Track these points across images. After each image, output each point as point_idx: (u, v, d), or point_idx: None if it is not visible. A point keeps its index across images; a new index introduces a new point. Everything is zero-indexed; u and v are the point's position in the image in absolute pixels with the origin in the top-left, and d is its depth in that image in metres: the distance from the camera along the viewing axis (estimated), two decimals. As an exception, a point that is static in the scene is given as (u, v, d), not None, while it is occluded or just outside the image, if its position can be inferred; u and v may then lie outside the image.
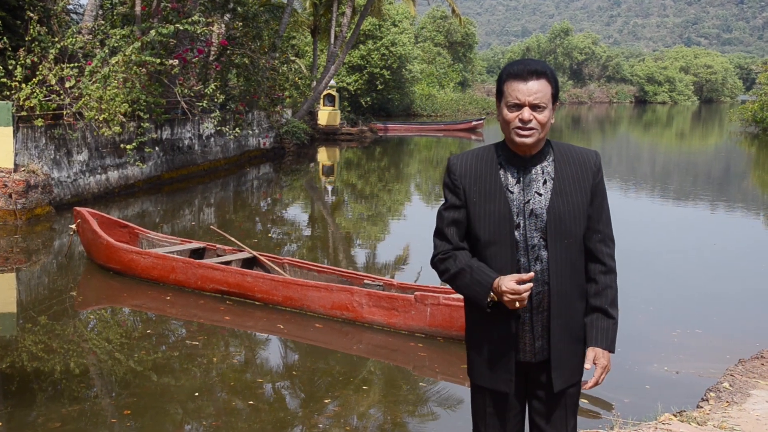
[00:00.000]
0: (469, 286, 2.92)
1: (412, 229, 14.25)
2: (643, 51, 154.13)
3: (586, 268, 3.03)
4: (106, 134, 15.43)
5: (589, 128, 50.77)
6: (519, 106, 2.87)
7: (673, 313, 8.83)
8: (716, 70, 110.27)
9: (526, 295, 2.79)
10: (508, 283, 2.80)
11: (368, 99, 48.25)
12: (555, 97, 2.92)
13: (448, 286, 8.50)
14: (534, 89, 2.85)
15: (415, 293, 7.68)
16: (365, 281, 8.54)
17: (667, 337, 7.90)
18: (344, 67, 46.18)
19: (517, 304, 2.80)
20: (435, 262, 3.06)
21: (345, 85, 46.69)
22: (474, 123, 41.98)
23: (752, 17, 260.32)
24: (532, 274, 2.79)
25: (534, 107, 2.86)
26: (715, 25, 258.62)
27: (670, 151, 35.93)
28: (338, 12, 34.21)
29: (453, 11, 37.33)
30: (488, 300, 2.88)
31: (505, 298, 2.81)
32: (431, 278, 9.68)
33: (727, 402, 5.64)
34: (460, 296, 7.51)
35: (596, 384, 2.96)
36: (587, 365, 2.97)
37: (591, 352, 2.98)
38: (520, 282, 2.81)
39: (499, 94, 2.95)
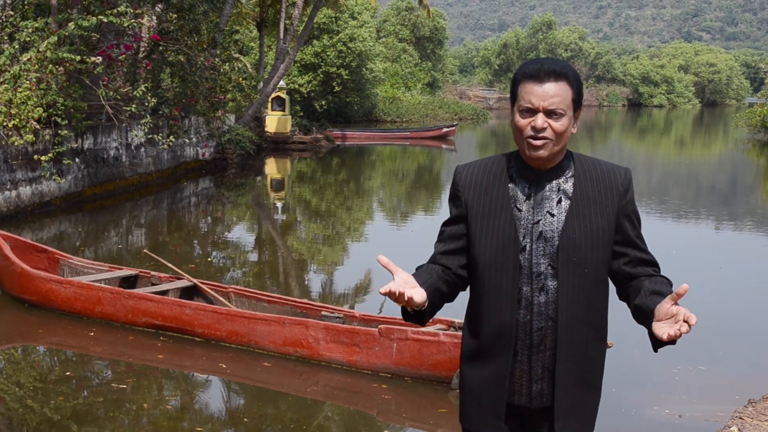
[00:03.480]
0: None
1: (375, 251, 14.22)
2: (637, 47, 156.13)
3: (627, 284, 2.98)
4: (16, 143, 15.28)
5: (576, 135, 51.17)
6: (533, 112, 2.84)
7: (674, 347, 8.89)
8: (720, 68, 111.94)
9: (395, 293, 2.74)
10: (386, 285, 2.78)
11: (323, 102, 48.30)
12: (577, 103, 2.90)
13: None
14: (550, 92, 2.83)
15: (380, 326, 7.69)
16: (323, 313, 8.54)
17: (667, 375, 7.99)
18: (295, 66, 46.22)
19: (400, 304, 2.79)
20: None
21: (296, 86, 46.71)
22: (445, 130, 42.18)
23: (760, 8, 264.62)
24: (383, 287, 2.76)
25: (550, 113, 2.83)
26: (719, 17, 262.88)
27: (669, 161, 36.39)
28: (288, 2, 34.29)
29: (420, 2, 37.58)
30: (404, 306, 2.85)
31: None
32: (397, 309, 9.68)
33: (736, 448, 5.70)
34: (431, 330, 7.54)
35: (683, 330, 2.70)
36: (673, 309, 2.72)
37: (666, 304, 2.76)
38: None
39: (513, 97, 2.93)
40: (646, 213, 19.34)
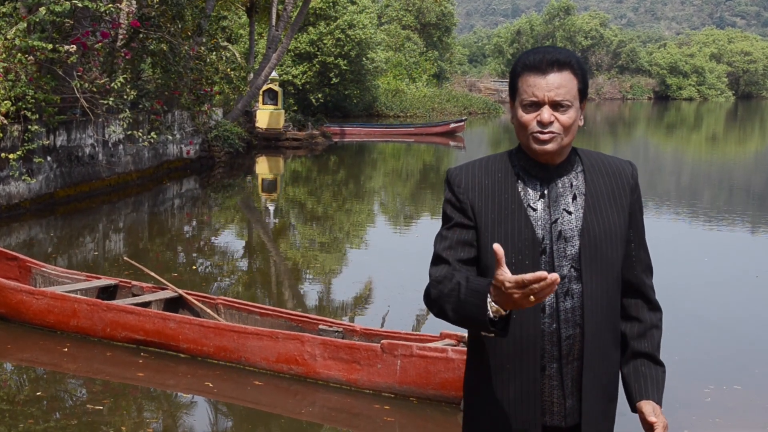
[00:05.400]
0: (464, 302, 2.71)
1: (376, 259, 14.27)
2: (664, 34, 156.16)
3: (624, 304, 3.06)
4: (-17, 140, 15.32)
5: (597, 131, 51.24)
6: (537, 105, 2.86)
7: (705, 365, 8.92)
8: (756, 57, 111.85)
9: (544, 285, 2.49)
10: (510, 275, 2.55)
11: (320, 95, 48.33)
12: (583, 93, 2.93)
13: (422, 333, 8.53)
14: (555, 83, 2.85)
15: (382, 342, 7.68)
16: (320, 326, 8.54)
17: (698, 396, 7.98)
18: (289, 56, 46.25)
19: (532, 299, 2.52)
20: (427, 292, 2.92)
21: (290, 77, 46.74)
22: (453, 125, 42.19)
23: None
24: (550, 275, 2.49)
25: (555, 106, 2.85)
26: (755, 0, 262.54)
27: (700, 159, 36.37)
28: (281, -15, 34.32)
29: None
30: (489, 313, 2.63)
31: (515, 295, 2.53)
32: (401, 322, 9.70)
33: (775, 475, 5.70)
34: (439, 346, 7.53)
35: None
36: (652, 419, 2.94)
37: (648, 406, 2.99)
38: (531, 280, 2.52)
39: (513, 91, 2.95)
40: (675, 216, 19.34)
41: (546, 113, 2.84)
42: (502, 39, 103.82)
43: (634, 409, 3.03)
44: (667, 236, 16.46)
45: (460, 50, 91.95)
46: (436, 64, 70.43)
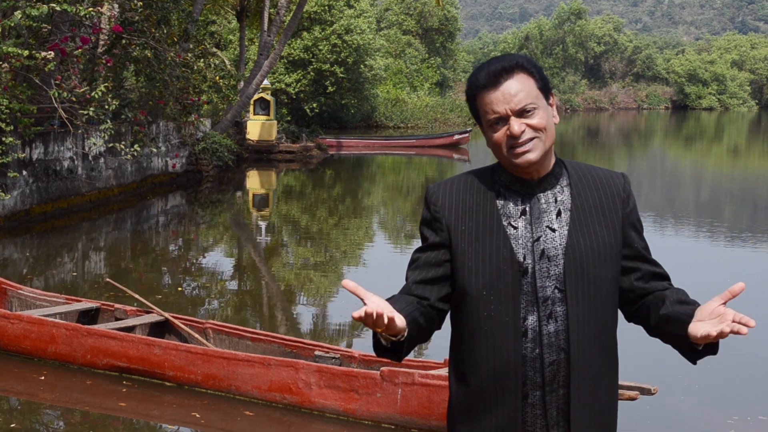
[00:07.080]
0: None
1: (376, 280, 14.24)
2: (682, 40, 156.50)
3: (640, 302, 3.02)
4: (-45, 153, 15.32)
5: (611, 142, 51.30)
6: (503, 120, 2.88)
7: (729, 393, 8.90)
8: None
9: (373, 314, 2.66)
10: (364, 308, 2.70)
11: (315, 105, 48.42)
12: (544, 90, 2.93)
13: (425, 359, 8.52)
14: (511, 91, 2.86)
15: (382, 369, 7.67)
16: (316, 352, 8.53)
17: (721, 427, 7.97)
18: (282, 63, 46.34)
19: (378, 329, 2.71)
20: None
21: (283, 86, 46.83)
22: (457, 137, 42.26)
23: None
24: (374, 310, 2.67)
25: (521, 113, 2.86)
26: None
27: (721, 173, 36.41)
28: (273, -13, 34.41)
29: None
30: (379, 338, 2.85)
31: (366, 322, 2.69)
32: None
33: None
34: (442, 374, 7.53)
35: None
36: (721, 309, 2.70)
37: (715, 302, 2.74)
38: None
39: (476, 114, 2.98)
40: (694, 234, 19.34)
41: (515, 125, 2.85)
42: (510, 45, 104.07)
43: (685, 339, 2.81)
44: (687, 255, 16.47)
45: (464, 57, 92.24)
46: (438, 71, 70.59)
